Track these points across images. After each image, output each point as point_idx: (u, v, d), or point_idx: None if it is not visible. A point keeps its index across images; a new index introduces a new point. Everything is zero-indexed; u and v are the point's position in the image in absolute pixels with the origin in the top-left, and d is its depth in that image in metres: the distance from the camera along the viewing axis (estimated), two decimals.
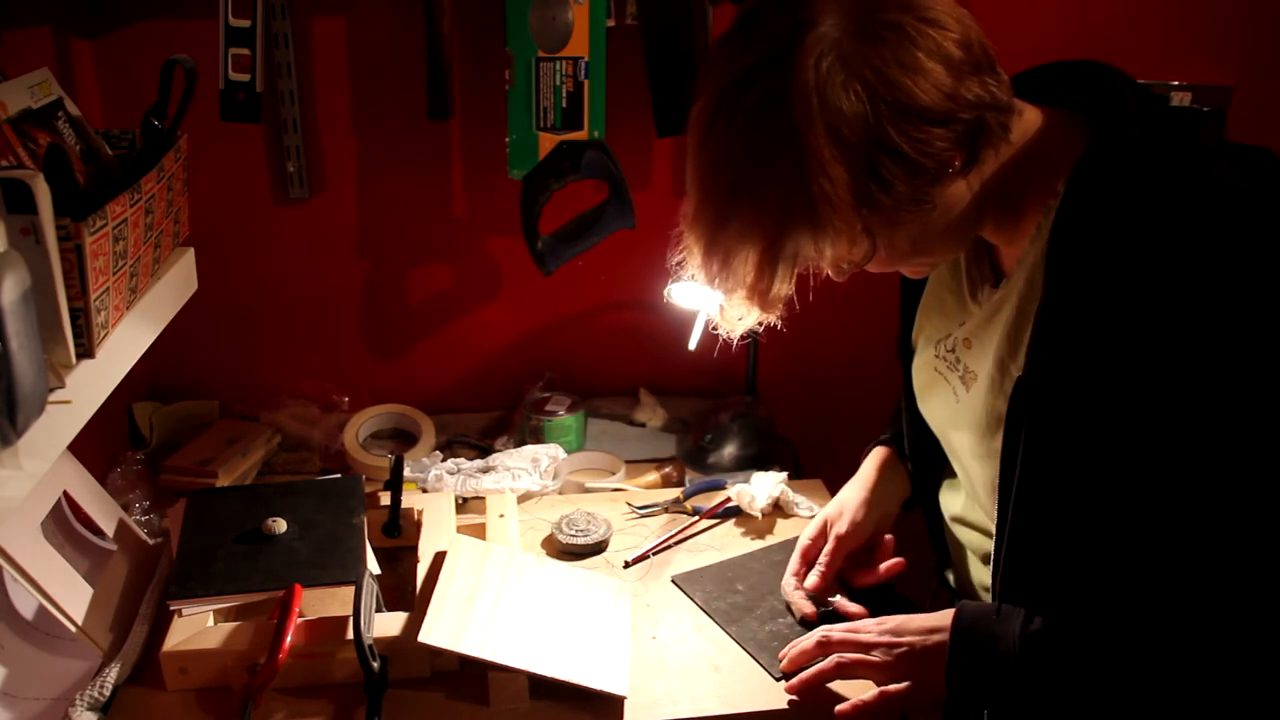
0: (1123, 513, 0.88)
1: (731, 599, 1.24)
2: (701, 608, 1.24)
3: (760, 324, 0.96)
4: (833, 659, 1.04)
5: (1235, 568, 0.85)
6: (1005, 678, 0.94)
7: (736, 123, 0.84)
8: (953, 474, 1.17)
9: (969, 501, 1.12)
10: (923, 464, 1.21)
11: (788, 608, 1.22)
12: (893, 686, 1.00)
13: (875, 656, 1.02)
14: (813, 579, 1.19)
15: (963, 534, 1.14)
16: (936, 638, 0.99)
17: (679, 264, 0.95)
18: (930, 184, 0.85)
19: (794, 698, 1.08)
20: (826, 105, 0.80)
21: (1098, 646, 0.91)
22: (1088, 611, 0.92)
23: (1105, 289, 0.83)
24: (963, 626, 0.97)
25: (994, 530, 0.97)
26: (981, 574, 1.10)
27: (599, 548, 1.35)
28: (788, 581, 1.22)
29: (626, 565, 1.32)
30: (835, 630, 1.07)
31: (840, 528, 1.21)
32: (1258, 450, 0.82)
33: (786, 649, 1.11)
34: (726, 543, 1.38)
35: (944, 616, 1.00)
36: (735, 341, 1.03)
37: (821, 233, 0.84)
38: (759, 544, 1.37)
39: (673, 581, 1.28)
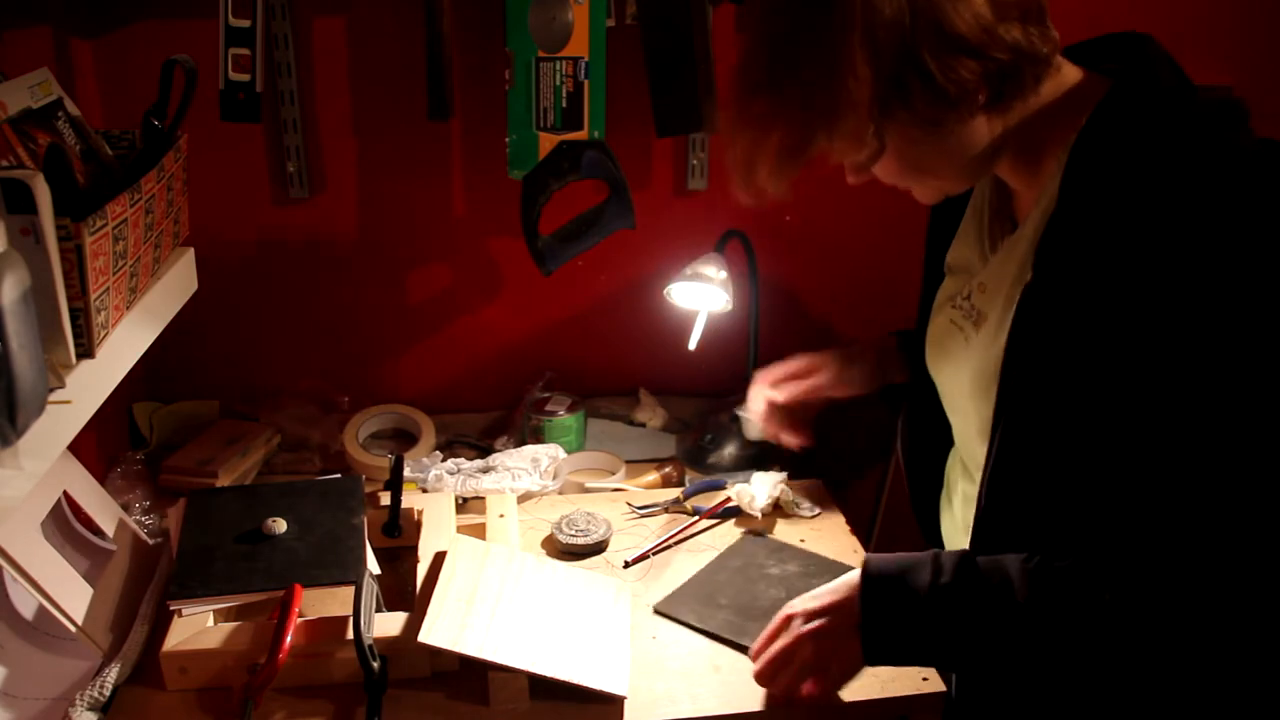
0: (1111, 439, 0.88)
1: (723, 613, 1.22)
2: (701, 629, 1.21)
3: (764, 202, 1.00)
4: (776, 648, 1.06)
5: (1222, 513, 0.85)
6: (917, 612, 0.95)
7: (784, 7, 0.89)
8: (953, 461, 1.18)
9: (970, 480, 1.12)
10: (922, 461, 1.22)
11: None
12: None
13: (803, 646, 1.04)
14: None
15: (970, 519, 1.13)
16: (846, 588, 1.01)
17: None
18: (949, 109, 0.88)
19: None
20: (869, 6, 0.84)
21: (1056, 581, 0.91)
22: (1061, 552, 0.92)
23: (1115, 205, 0.86)
24: (872, 572, 0.99)
25: (980, 472, 0.99)
26: None
27: (599, 548, 1.35)
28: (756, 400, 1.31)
29: (626, 565, 1.32)
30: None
31: (822, 382, 1.29)
32: (1254, 386, 0.83)
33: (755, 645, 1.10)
34: (727, 543, 1.38)
35: (854, 572, 1.02)
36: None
37: (835, 127, 0.88)
38: (709, 554, 1.36)
39: (656, 611, 1.24)
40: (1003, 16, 0.85)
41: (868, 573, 0.99)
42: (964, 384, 1.05)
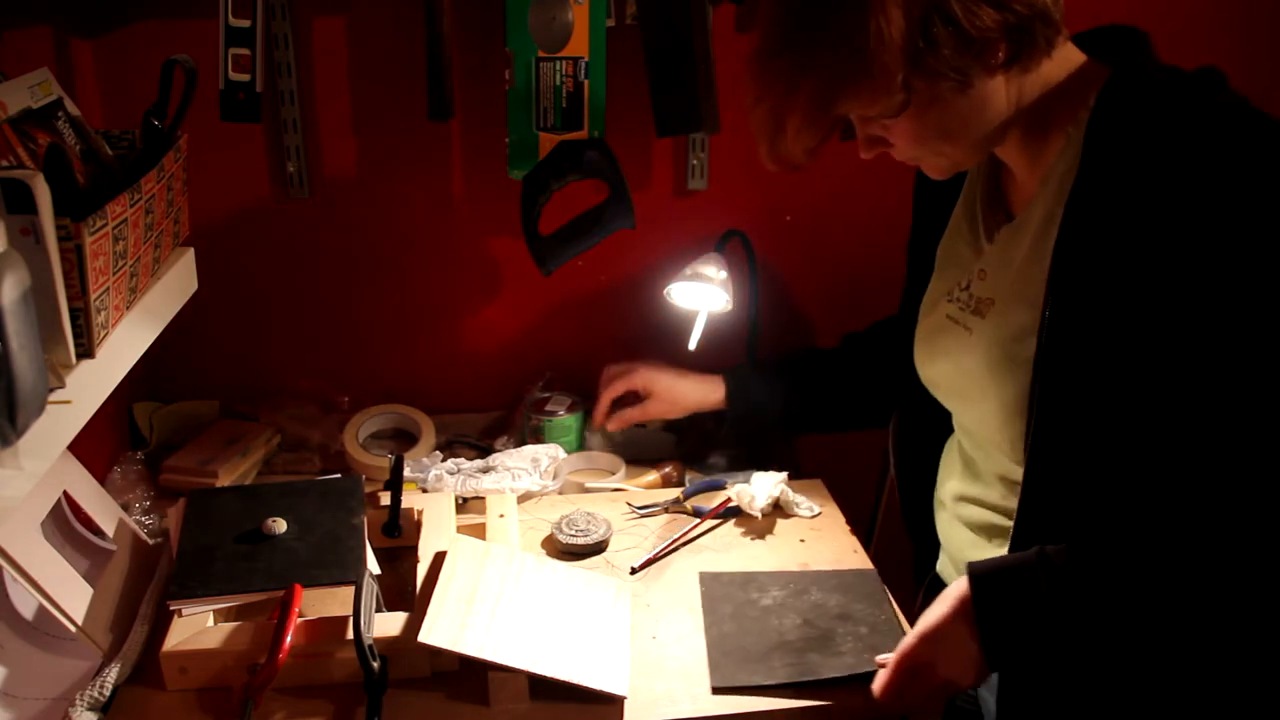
0: (1150, 407, 0.90)
1: (776, 659, 1.14)
2: (774, 685, 1.11)
3: (788, 169, 1.02)
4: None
5: (1260, 482, 0.86)
6: (1041, 608, 0.93)
7: None
8: (949, 457, 1.18)
9: (971, 474, 1.12)
10: (914, 457, 1.22)
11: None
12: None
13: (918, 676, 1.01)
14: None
15: (967, 512, 1.13)
16: (956, 602, 0.98)
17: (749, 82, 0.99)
18: (974, 60, 0.90)
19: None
20: None
21: (1122, 564, 0.92)
22: (1111, 533, 0.92)
23: (1140, 169, 0.89)
24: (979, 572, 0.97)
25: (1014, 458, 1.00)
26: (986, 552, 1.09)
27: (599, 548, 1.35)
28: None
29: (633, 571, 1.31)
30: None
31: (658, 409, 1.51)
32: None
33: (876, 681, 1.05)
34: (727, 543, 1.38)
35: (956, 586, 0.99)
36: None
37: (865, 75, 0.90)
38: (709, 554, 1.35)
39: (717, 691, 1.11)
40: None
41: (975, 575, 0.97)
42: (975, 371, 1.05)
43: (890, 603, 1.24)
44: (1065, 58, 0.97)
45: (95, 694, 1.07)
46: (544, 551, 1.36)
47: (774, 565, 1.33)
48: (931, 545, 1.23)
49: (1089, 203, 0.92)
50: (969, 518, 1.13)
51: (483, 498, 1.42)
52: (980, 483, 1.11)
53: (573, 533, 1.36)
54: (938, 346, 1.12)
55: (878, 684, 1.03)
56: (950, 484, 1.17)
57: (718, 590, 1.27)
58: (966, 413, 1.12)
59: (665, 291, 1.57)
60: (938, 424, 1.19)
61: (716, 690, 1.11)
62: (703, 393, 1.49)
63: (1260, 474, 0.87)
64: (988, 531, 1.09)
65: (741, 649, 1.16)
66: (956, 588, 0.98)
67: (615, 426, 1.53)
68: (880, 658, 1.09)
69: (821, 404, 1.44)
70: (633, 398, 1.52)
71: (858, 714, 1.10)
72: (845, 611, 1.22)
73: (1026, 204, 1.02)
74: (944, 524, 1.19)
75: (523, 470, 1.47)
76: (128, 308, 1.06)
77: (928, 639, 0.99)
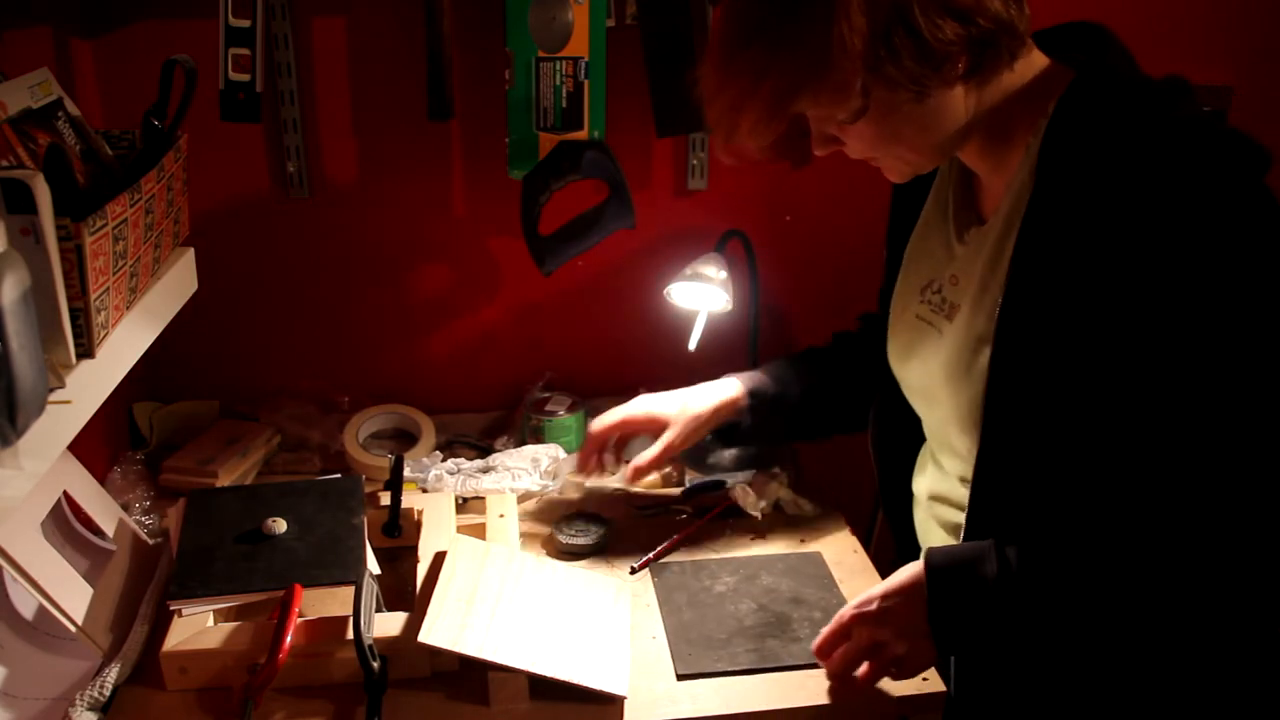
0: (1099, 418, 0.91)
1: (736, 645, 1.17)
2: (736, 670, 1.14)
3: (742, 161, 1.02)
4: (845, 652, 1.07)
5: (1212, 484, 0.88)
6: (988, 601, 0.95)
7: None
8: (923, 457, 1.18)
9: (940, 473, 1.13)
10: (893, 451, 1.22)
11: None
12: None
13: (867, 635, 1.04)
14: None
15: (939, 511, 1.14)
16: (910, 583, 1.01)
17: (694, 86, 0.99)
18: (933, 71, 0.90)
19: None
20: None
21: (1076, 563, 0.93)
22: (1061, 532, 0.94)
23: (1091, 189, 0.89)
24: (936, 563, 0.99)
25: (961, 473, 1.00)
26: None
27: (599, 547, 1.35)
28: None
29: (633, 571, 1.31)
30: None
31: (680, 437, 1.33)
32: (1233, 360, 0.86)
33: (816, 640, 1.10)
34: (727, 543, 1.38)
35: (914, 565, 1.02)
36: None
37: (825, 77, 0.90)
38: (709, 554, 1.35)
39: (682, 677, 1.14)
40: None
41: (931, 565, 1.00)
42: (937, 374, 1.06)
43: (837, 586, 1.28)
44: (1028, 63, 0.96)
45: (95, 694, 1.07)
46: (544, 551, 1.36)
47: None
48: (913, 542, 1.23)
49: (1043, 219, 0.92)
50: (941, 516, 1.14)
51: (483, 498, 1.42)
52: (947, 482, 1.12)
53: (573, 532, 1.36)
54: (910, 346, 1.13)
55: (818, 641, 1.08)
56: (923, 482, 1.18)
57: (671, 579, 1.29)
58: (929, 415, 1.14)
59: (665, 291, 1.57)
60: (915, 420, 1.19)
61: (681, 677, 1.13)
62: (716, 394, 1.34)
63: (1202, 483, 0.88)
64: (956, 531, 1.10)
65: (703, 637, 1.19)
66: (913, 572, 1.01)
67: (635, 479, 1.37)
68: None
69: (822, 405, 1.40)
70: (638, 442, 1.39)
71: (856, 714, 1.11)
72: (797, 596, 1.26)
73: (994, 208, 1.02)
74: (920, 521, 1.20)
75: (523, 470, 1.47)
76: (128, 308, 1.06)
77: (875, 601, 1.03)
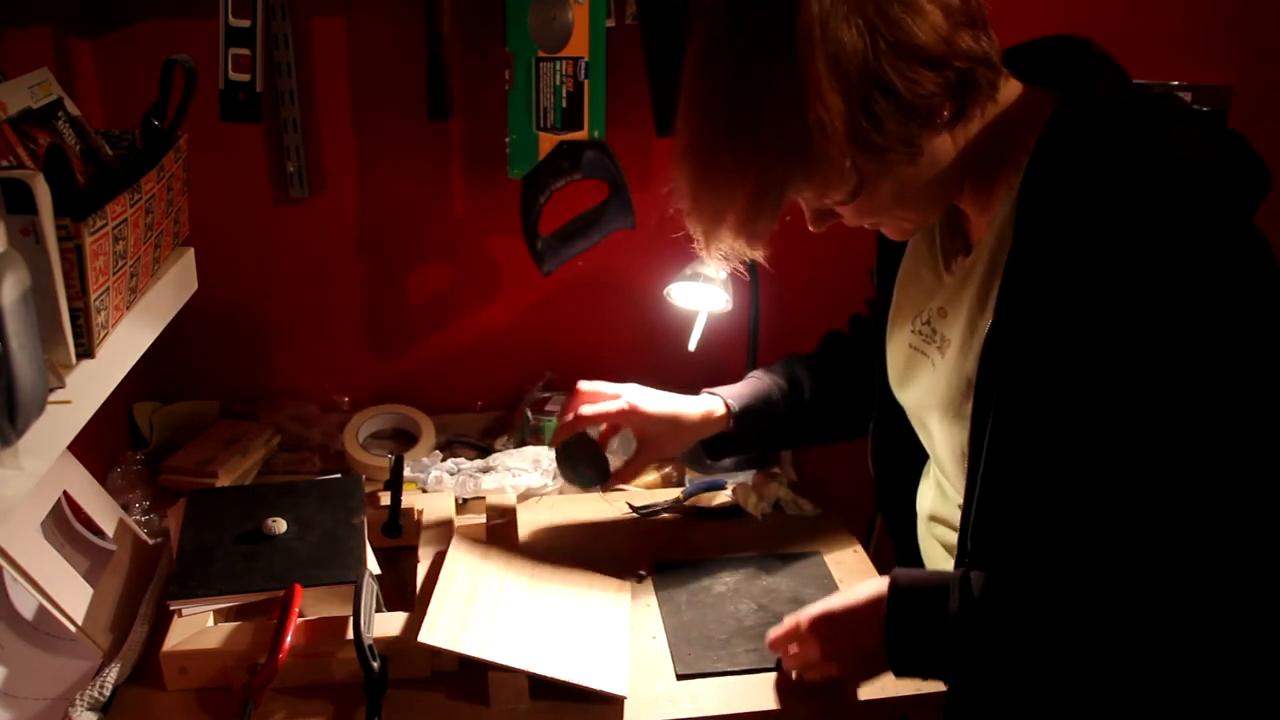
0: (1085, 471, 0.88)
1: (735, 645, 1.18)
2: (734, 671, 1.15)
3: (744, 261, 0.97)
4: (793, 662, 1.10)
5: (1196, 535, 0.85)
6: (945, 635, 0.94)
7: (738, 49, 0.85)
8: (926, 474, 1.18)
9: (941, 495, 1.12)
10: (894, 467, 1.21)
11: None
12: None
13: (818, 652, 1.05)
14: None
15: (938, 532, 1.13)
16: (870, 601, 1.00)
17: (667, 194, 0.95)
18: (920, 128, 0.87)
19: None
20: (828, 35, 0.82)
21: (1041, 605, 0.91)
22: (1048, 575, 0.92)
23: (1068, 241, 0.85)
24: (901, 585, 0.98)
25: (960, 501, 0.98)
26: None
27: (601, 476, 1.31)
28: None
29: (640, 579, 1.31)
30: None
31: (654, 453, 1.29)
32: (1215, 410, 0.83)
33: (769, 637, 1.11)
34: (728, 544, 1.38)
35: (879, 582, 1.01)
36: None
37: (812, 163, 0.85)
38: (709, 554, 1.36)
39: (681, 677, 1.14)
40: (956, 25, 0.85)
41: (896, 586, 0.98)
42: (934, 409, 1.05)
43: (837, 587, 1.27)
44: (1007, 95, 0.92)
45: (95, 694, 1.07)
46: (543, 555, 1.36)
47: None
48: (915, 556, 1.22)
49: (1026, 269, 0.88)
50: (942, 538, 1.13)
51: (483, 498, 1.42)
52: (948, 505, 1.10)
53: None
54: (906, 372, 1.11)
55: (772, 633, 1.10)
56: (924, 501, 1.17)
57: (671, 579, 1.29)
58: (926, 439, 1.12)
59: (665, 291, 1.57)
60: (915, 434, 1.18)
61: (681, 677, 1.13)
62: (702, 408, 1.30)
63: (1177, 529, 0.85)
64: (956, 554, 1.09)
65: (703, 637, 1.19)
66: (875, 591, 1.00)
67: (620, 482, 1.36)
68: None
69: (811, 414, 1.35)
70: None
71: (853, 714, 1.11)
72: (797, 596, 1.26)
73: (979, 237, 0.99)
74: (922, 538, 1.18)
75: (523, 470, 1.47)
76: (128, 308, 1.06)
77: (832, 617, 1.03)
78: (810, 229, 0.98)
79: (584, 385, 1.29)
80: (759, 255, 0.95)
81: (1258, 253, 0.84)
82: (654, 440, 1.29)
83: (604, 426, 1.32)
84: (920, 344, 1.08)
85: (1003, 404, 0.90)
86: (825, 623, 1.04)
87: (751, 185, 0.87)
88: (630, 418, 1.27)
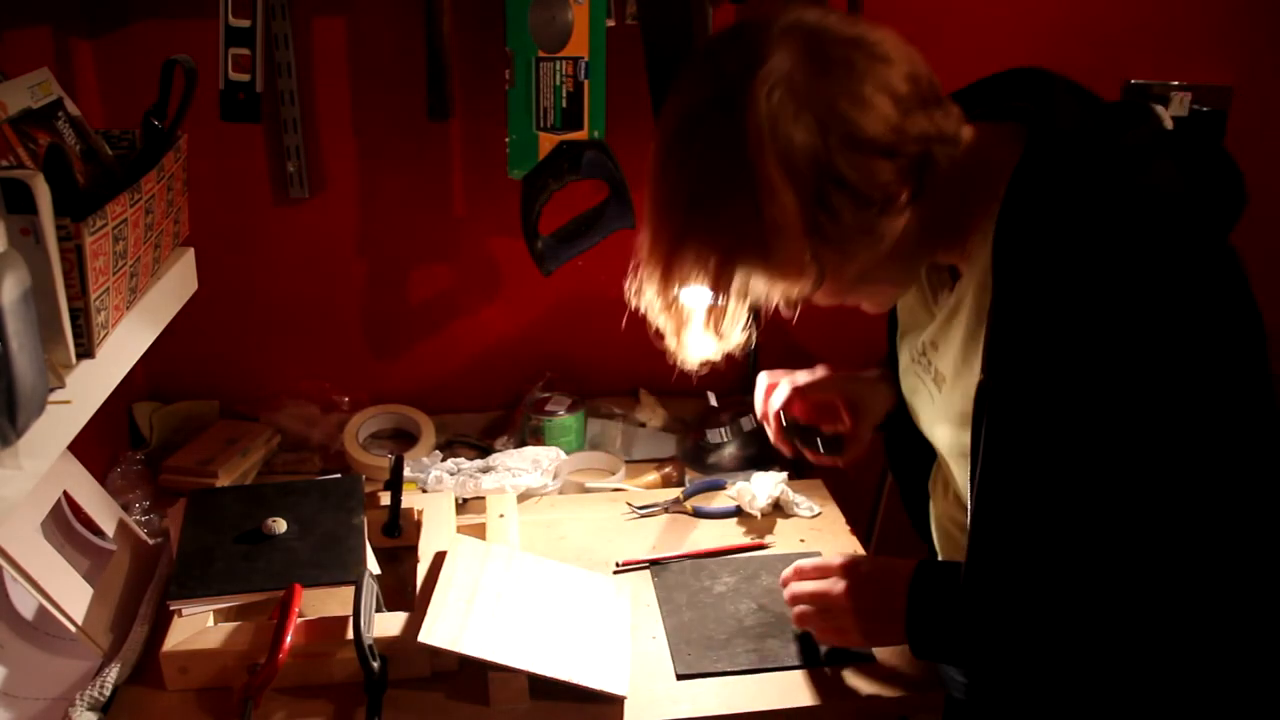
0: (1081, 511, 0.88)
1: (737, 646, 1.18)
2: (736, 670, 1.15)
3: (719, 356, 0.99)
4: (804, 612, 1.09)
5: (1189, 563, 0.86)
6: (962, 610, 0.96)
7: (693, 154, 0.86)
8: (935, 475, 1.18)
9: (954, 500, 1.12)
10: (915, 463, 1.21)
11: None
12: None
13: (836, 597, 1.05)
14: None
15: (953, 533, 1.13)
16: (899, 565, 1.02)
17: (635, 292, 0.98)
18: (878, 215, 0.87)
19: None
20: (778, 136, 0.82)
21: (1045, 628, 0.92)
22: (1051, 608, 0.92)
23: (1046, 290, 0.84)
24: (929, 560, 1.01)
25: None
26: None
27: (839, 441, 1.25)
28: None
29: (616, 570, 1.31)
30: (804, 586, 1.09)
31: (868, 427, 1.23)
32: (1194, 442, 0.83)
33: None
34: (727, 544, 1.38)
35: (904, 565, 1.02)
36: (695, 374, 1.07)
37: (771, 261, 0.87)
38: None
39: (682, 677, 1.14)
40: (906, 111, 0.84)
41: (925, 560, 1.00)
42: (938, 439, 1.06)
43: None
44: (966, 150, 0.90)
45: (95, 694, 1.07)
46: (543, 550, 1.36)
47: None
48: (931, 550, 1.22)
49: (1009, 326, 0.87)
50: (955, 537, 1.13)
51: (483, 498, 1.42)
52: (962, 510, 1.11)
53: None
54: (912, 398, 1.12)
55: (805, 563, 1.10)
56: (936, 502, 1.17)
57: (671, 579, 1.29)
58: (942, 461, 1.12)
59: None
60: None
61: (681, 677, 1.13)
62: (874, 372, 1.26)
63: (1175, 564, 0.86)
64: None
65: (703, 637, 1.19)
66: (904, 561, 1.02)
67: (850, 460, 1.25)
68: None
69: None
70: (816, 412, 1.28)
71: (852, 714, 1.11)
72: None
73: (962, 274, 0.98)
74: (938, 538, 1.18)
75: (523, 470, 1.47)
76: (128, 308, 1.06)
77: (867, 567, 1.05)
78: (783, 314, 0.97)
79: (767, 375, 1.27)
80: (733, 348, 0.98)
81: (1231, 284, 0.84)
82: (865, 402, 1.24)
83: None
84: (919, 372, 1.08)
85: (997, 455, 0.89)
86: (857, 569, 1.05)
87: (712, 283, 0.89)
88: (837, 384, 1.25)
